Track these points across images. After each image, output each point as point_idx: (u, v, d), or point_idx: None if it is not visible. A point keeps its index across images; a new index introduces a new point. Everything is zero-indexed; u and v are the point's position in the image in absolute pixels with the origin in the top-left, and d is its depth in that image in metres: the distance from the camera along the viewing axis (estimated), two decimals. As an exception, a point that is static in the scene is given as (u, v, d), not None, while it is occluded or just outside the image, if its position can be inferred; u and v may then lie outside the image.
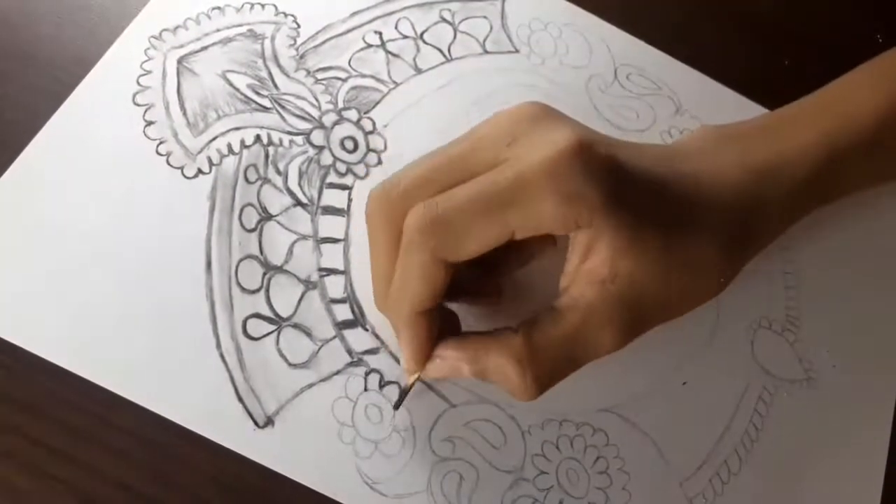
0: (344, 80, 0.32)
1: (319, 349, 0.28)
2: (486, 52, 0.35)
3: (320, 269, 0.29)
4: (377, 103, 0.32)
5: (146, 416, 0.25)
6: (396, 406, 0.27)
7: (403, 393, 0.27)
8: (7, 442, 0.25)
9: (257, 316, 0.28)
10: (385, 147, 0.32)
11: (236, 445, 0.26)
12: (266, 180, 0.30)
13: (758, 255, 0.28)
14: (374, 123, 0.32)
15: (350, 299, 0.29)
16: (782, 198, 0.28)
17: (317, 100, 0.32)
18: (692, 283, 0.25)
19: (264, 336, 0.28)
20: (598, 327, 0.24)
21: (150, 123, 0.29)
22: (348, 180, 0.31)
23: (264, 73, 0.31)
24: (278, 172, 0.30)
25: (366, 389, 0.28)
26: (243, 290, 0.28)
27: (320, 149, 0.31)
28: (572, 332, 0.24)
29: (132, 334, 0.26)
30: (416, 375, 0.26)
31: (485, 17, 0.36)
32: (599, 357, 0.25)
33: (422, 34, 0.35)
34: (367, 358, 0.28)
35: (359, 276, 0.29)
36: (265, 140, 0.30)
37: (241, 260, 0.28)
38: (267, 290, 0.28)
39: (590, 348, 0.24)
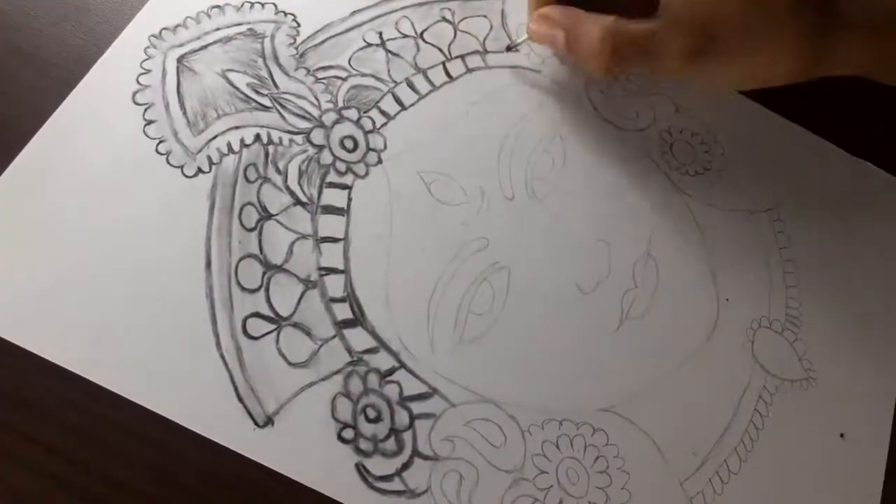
0: (344, 80, 0.32)
1: (319, 348, 0.28)
2: (486, 51, 0.35)
3: (320, 269, 0.29)
4: (377, 102, 0.32)
5: (146, 416, 0.25)
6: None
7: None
8: (7, 441, 0.25)
9: (257, 315, 0.28)
10: (385, 146, 0.32)
11: (236, 445, 0.26)
12: (266, 179, 0.30)
13: (758, 255, 0.28)
14: (373, 122, 0.32)
15: (350, 298, 0.29)
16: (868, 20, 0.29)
17: (317, 99, 0.32)
18: (765, 30, 0.28)
19: (264, 335, 0.28)
20: (672, 33, 0.29)
21: (149, 122, 0.29)
22: (348, 179, 0.31)
23: (264, 72, 0.31)
24: (278, 171, 0.30)
25: (366, 388, 0.28)
26: (243, 289, 0.28)
27: (320, 148, 0.31)
28: (654, 27, 0.29)
29: (132, 333, 0.26)
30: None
31: (485, 16, 0.36)
32: (668, 67, 0.29)
33: (422, 33, 0.34)
34: (367, 357, 0.28)
35: (358, 275, 0.29)
36: (265, 139, 0.30)
37: (240, 259, 0.28)
38: (267, 290, 0.28)
39: (663, 49, 0.29)
